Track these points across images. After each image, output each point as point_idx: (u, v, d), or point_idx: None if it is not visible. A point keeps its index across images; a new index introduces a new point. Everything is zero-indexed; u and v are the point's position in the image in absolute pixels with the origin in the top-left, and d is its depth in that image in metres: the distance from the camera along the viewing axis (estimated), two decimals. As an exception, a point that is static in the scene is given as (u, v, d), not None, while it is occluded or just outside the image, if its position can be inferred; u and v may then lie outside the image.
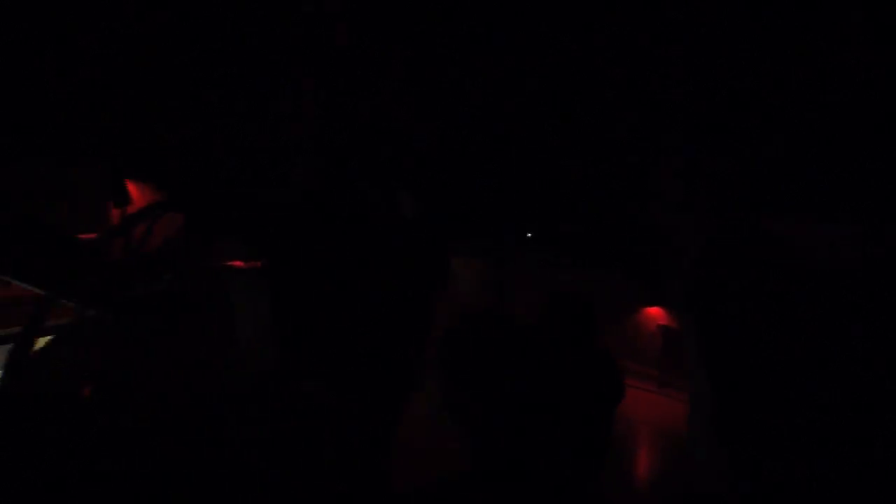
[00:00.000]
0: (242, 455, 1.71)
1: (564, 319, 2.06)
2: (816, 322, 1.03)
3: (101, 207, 3.50)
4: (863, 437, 1.00)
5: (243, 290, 2.59)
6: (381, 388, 2.09)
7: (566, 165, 4.55)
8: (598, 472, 1.88)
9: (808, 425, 1.00)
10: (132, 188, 3.22)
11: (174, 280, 2.36)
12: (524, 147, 4.64)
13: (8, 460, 1.63)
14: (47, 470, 1.60)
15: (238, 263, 2.50)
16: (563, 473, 1.03)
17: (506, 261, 5.49)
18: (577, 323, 2.07)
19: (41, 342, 2.21)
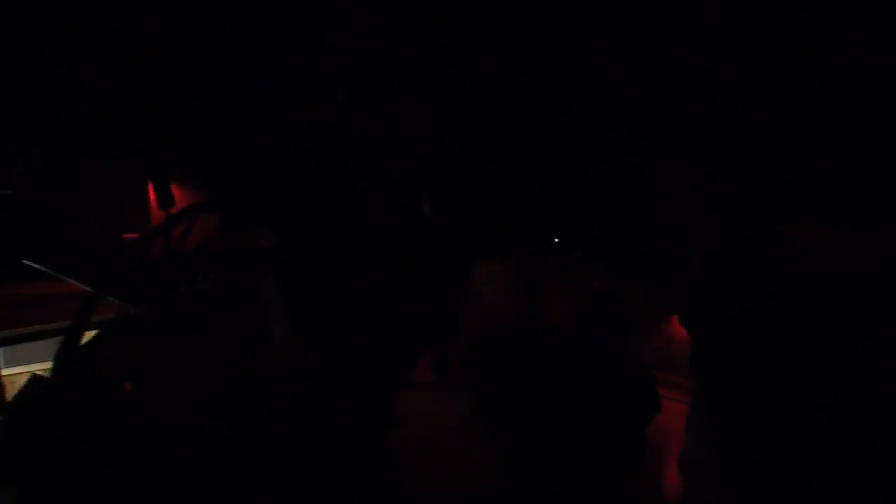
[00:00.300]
0: (265, 454, 1.76)
1: (598, 323, 2.02)
2: (820, 325, 1.01)
3: (142, 209, 3.69)
4: (864, 440, 0.97)
5: (274, 291, 2.68)
6: (384, 389, 2.10)
7: (590, 167, 4.50)
8: (629, 483, 1.85)
9: (809, 429, 0.97)
10: (174, 191, 3.37)
11: (211, 280, 2.45)
12: (547, 149, 4.62)
13: (54, 446, 1.73)
14: (89, 457, 1.69)
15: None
16: (591, 484, 1.03)
17: (533, 265, 5.44)
18: (611, 327, 2.02)
19: (88, 336, 2.35)
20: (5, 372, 3.98)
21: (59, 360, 2.18)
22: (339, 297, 2.10)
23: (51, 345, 3.53)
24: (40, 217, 1.75)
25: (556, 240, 5.50)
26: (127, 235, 2.79)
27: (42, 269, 1.88)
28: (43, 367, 4.01)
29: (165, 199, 2.44)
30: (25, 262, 1.78)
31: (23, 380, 2.10)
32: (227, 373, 2.14)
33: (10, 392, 3.64)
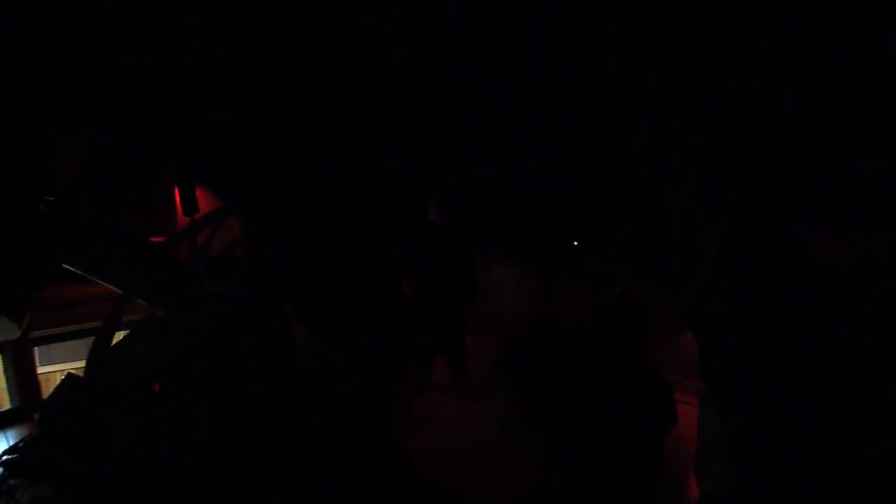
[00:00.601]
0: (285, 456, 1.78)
1: (617, 328, 1.97)
2: (826, 327, 1.00)
3: (169, 214, 3.80)
4: (870, 439, 0.96)
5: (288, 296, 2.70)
6: (396, 393, 2.08)
7: (612, 170, 4.46)
8: (649, 491, 1.81)
9: (814, 430, 0.96)
10: (199, 196, 3.46)
11: (236, 283, 2.50)
12: (567, 153, 4.60)
13: (88, 443, 1.79)
14: (119, 452, 1.74)
15: None
16: (610, 491, 1.03)
17: (553, 270, 5.41)
18: (630, 332, 1.97)
19: (119, 337, 2.42)
20: (41, 370, 4.12)
21: (92, 360, 2.25)
22: (349, 301, 2.11)
23: (84, 344, 3.66)
24: (80, 222, 1.83)
25: (575, 243, 5.48)
26: (154, 239, 2.87)
27: (77, 271, 1.95)
28: (76, 366, 4.15)
29: (190, 205, 2.50)
30: (63, 265, 1.85)
31: (57, 378, 2.18)
32: (250, 375, 2.18)
33: (46, 389, 3.78)
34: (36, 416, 2.16)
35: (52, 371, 4.75)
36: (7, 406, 3.68)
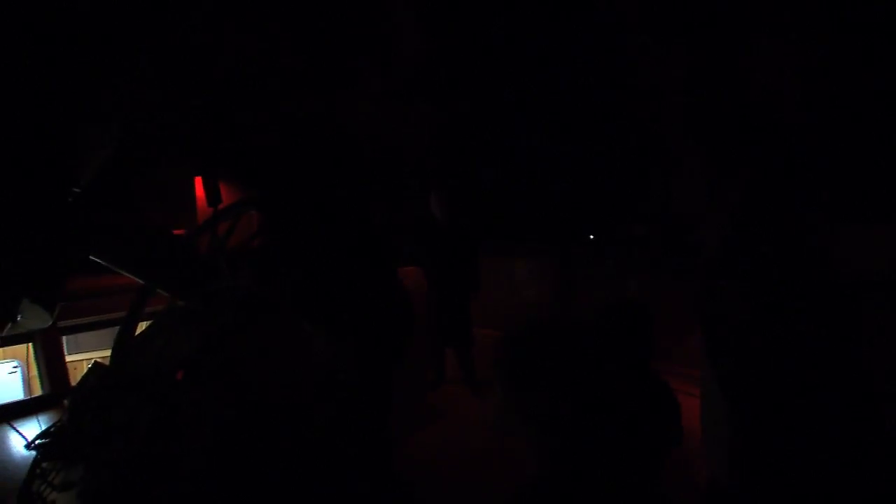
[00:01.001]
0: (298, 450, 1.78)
1: (617, 332, 1.87)
2: (823, 318, 0.98)
3: (189, 207, 3.87)
4: (872, 437, 0.95)
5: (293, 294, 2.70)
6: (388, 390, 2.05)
7: (628, 162, 4.40)
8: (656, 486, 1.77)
9: (819, 428, 0.95)
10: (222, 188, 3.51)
11: (253, 275, 2.53)
12: (585, 147, 4.56)
13: (110, 430, 1.85)
14: (139, 445, 1.79)
15: None
16: (611, 492, 1.04)
17: (571, 264, 5.37)
18: (629, 336, 1.86)
19: (142, 327, 2.49)
20: (69, 358, 4.26)
21: (117, 351, 2.32)
22: (348, 299, 2.11)
23: (109, 333, 3.77)
24: (105, 213, 1.87)
25: (591, 237, 5.42)
26: (176, 231, 2.92)
27: (103, 262, 2.00)
28: (103, 355, 4.28)
29: (214, 196, 2.53)
30: (90, 256, 1.90)
31: (85, 366, 2.25)
32: (268, 367, 2.21)
33: (74, 376, 3.91)
34: (66, 402, 2.23)
35: (80, 360, 4.91)
36: (39, 392, 3.83)
